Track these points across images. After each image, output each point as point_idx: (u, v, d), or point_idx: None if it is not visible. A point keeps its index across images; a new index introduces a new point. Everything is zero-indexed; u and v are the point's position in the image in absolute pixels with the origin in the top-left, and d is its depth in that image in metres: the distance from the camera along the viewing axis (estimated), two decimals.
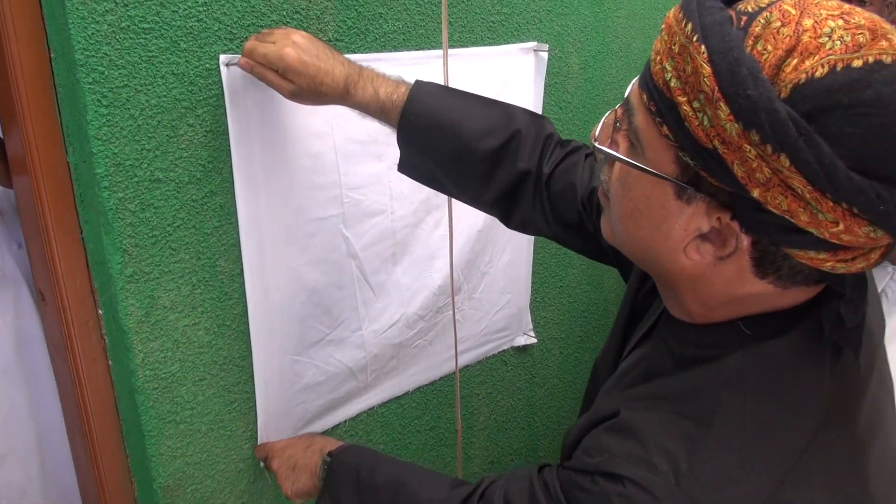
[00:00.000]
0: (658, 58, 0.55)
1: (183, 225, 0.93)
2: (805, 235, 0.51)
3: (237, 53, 0.91)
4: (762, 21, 0.50)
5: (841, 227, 0.49)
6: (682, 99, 0.52)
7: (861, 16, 0.50)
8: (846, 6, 0.51)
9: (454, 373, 1.41)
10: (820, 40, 0.48)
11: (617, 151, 0.60)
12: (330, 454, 0.96)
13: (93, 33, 0.79)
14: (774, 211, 0.50)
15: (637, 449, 0.58)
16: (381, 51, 1.09)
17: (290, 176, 1.01)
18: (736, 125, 0.48)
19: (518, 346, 1.58)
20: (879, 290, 1.09)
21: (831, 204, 0.48)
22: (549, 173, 0.91)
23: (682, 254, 0.58)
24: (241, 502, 1.11)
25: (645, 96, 0.56)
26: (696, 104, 0.51)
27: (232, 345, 1.02)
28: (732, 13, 0.52)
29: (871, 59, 0.48)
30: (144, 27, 0.82)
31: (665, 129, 0.54)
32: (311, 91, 0.86)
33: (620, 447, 0.59)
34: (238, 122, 0.92)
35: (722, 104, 0.49)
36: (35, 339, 1.04)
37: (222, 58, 0.89)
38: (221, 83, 0.90)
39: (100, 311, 0.93)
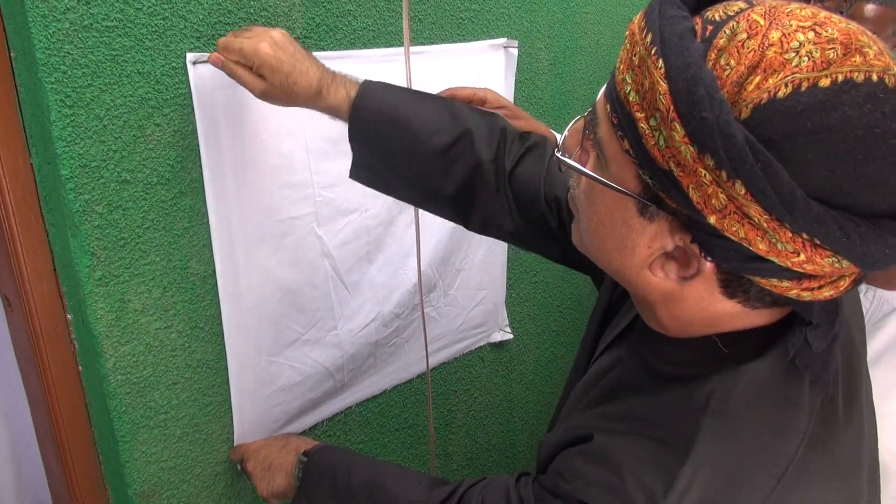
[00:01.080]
0: (621, 67, 0.52)
1: (153, 226, 0.91)
2: (766, 263, 0.49)
3: (205, 51, 0.89)
4: (727, 32, 0.47)
5: (802, 257, 0.47)
6: (639, 115, 0.49)
7: (836, 27, 0.46)
8: (822, 15, 0.47)
9: (438, 368, 1.41)
10: (786, 56, 0.45)
11: (586, 161, 0.58)
12: (306, 453, 0.95)
13: (54, 32, 0.77)
14: (732, 238, 0.48)
15: (612, 479, 0.57)
16: (351, 48, 1.08)
17: (261, 175, 1.00)
18: (691, 148, 0.46)
19: (494, 343, 1.59)
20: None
21: (790, 234, 0.46)
22: (511, 168, 0.88)
23: (648, 270, 0.56)
24: None
25: (608, 107, 0.53)
26: (652, 122, 0.48)
27: (206, 347, 1.01)
28: (699, 21, 0.49)
29: (840, 78, 0.44)
30: (108, 25, 0.81)
31: (626, 144, 0.51)
32: (284, 90, 0.83)
33: (595, 475, 0.58)
34: (207, 122, 0.91)
35: (677, 125, 0.46)
36: (5, 344, 1.02)
37: (189, 56, 0.88)
38: (189, 82, 0.89)
39: (68, 316, 0.91)
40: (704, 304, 0.56)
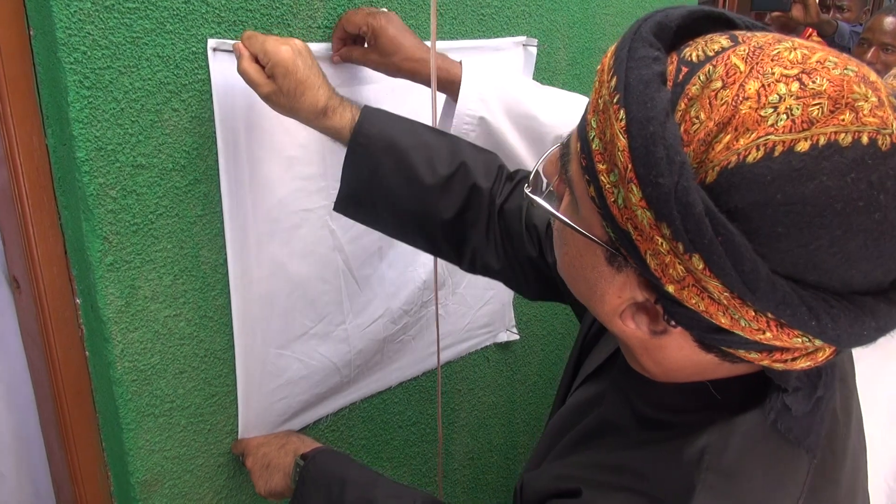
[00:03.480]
0: (590, 107, 0.47)
1: (166, 213, 0.90)
2: (731, 335, 0.45)
3: (225, 37, 0.88)
4: (702, 78, 0.42)
5: (768, 335, 0.43)
6: (601, 167, 0.44)
7: (828, 75, 0.40)
8: (815, 59, 0.41)
9: (444, 366, 1.40)
10: (762, 112, 0.40)
11: (563, 192, 0.53)
12: (304, 457, 0.95)
13: (75, 11, 0.76)
14: (692, 309, 0.44)
15: None
16: None
17: (277, 166, 0.98)
18: (647, 213, 0.41)
19: (500, 343, 1.58)
20: None
21: (753, 313, 0.42)
22: (500, 204, 0.87)
23: (619, 319, 0.51)
24: (221, 498, 1.09)
25: (578, 146, 0.48)
26: (612, 177, 0.43)
27: (214, 337, 1.00)
28: (674, 60, 0.44)
29: (821, 141, 0.38)
30: (129, 7, 0.80)
31: (591, 191, 0.46)
32: (290, 97, 0.82)
33: None
34: (224, 109, 0.90)
35: (634, 187, 0.41)
36: (9, 333, 1.00)
37: (211, 42, 0.87)
38: (209, 68, 0.88)
39: (77, 300, 0.90)
40: (686, 353, 0.52)
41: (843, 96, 0.40)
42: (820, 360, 0.47)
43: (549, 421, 0.80)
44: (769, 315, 0.42)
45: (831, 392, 0.54)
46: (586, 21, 1.47)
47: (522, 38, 1.31)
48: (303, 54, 0.83)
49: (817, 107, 0.39)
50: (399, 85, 1.01)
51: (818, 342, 0.44)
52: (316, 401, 1.17)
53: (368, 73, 1.03)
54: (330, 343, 1.15)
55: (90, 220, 0.83)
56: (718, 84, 0.41)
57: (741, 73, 0.41)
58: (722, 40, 0.44)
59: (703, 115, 0.41)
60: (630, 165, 0.41)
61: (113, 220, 0.85)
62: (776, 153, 0.39)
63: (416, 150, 0.85)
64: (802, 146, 0.39)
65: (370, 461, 1.35)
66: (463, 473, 1.61)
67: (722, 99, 0.41)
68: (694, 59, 0.43)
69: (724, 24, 0.49)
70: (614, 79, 0.44)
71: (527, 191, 0.56)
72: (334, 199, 1.07)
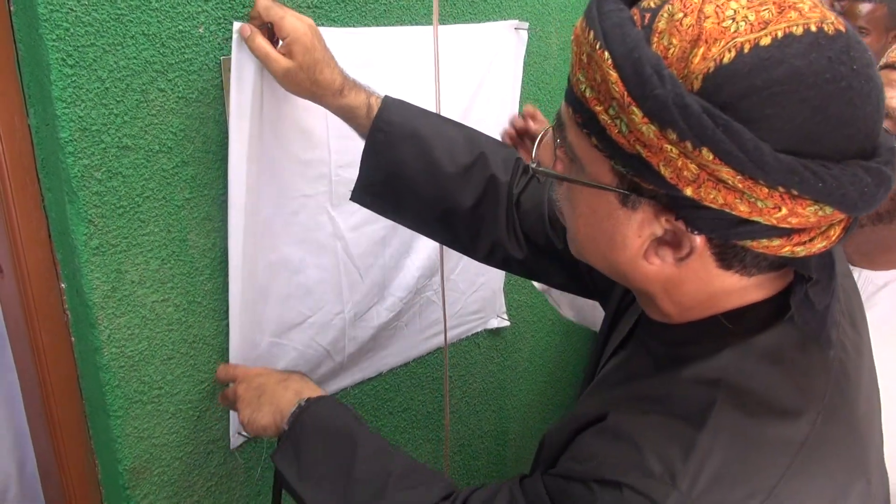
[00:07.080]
0: (574, 69, 0.53)
1: (153, 196, 0.88)
2: (752, 225, 0.49)
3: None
4: (665, 15, 0.49)
5: (784, 211, 0.48)
6: (598, 108, 0.50)
7: None
8: None
9: (435, 352, 1.40)
10: (724, 24, 0.47)
11: (561, 168, 0.59)
12: (308, 400, 0.84)
13: None
14: (712, 206, 0.49)
15: (630, 453, 0.55)
16: (360, 23, 1.05)
17: (278, 149, 0.96)
18: (652, 127, 0.47)
19: (491, 329, 1.57)
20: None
21: (766, 190, 0.47)
22: (518, 194, 0.89)
23: (644, 260, 0.56)
24: (211, 485, 1.08)
25: (571, 110, 0.55)
26: (611, 111, 0.49)
27: (203, 322, 0.98)
28: (637, 12, 0.51)
29: (779, 34, 0.46)
30: None
31: (593, 140, 0.53)
32: (309, 74, 0.83)
33: (612, 452, 0.56)
34: (242, 94, 0.87)
35: (634, 108, 0.47)
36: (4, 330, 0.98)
37: (236, 25, 0.84)
38: (196, 48, 0.85)
39: (62, 285, 0.88)
40: (703, 284, 0.57)
41: (784, 1, 0.48)
42: (833, 238, 0.52)
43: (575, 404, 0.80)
44: (780, 189, 0.46)
45: (838, 291, 0.58)
46: (579, 5, 1.45)
47: (514, 22, 1.29)
48: (317, 33, 0.84)
49: (766, 10, 0.47)
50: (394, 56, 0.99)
51: (828, 210, 0.48)
52: None
53: (356, 42, 1.01)
54: (326, 331, 1.14)
55: (75, 202, 0.81)
56: (680, 15, 0.48)
57: (695, 3, 0.48)
58: None
59: (675, 41, 0.48)
60: (625, 92, 0.47)
61: (98, 203, 0.83)
62: (746, 50, 0.46)
63: (437, 138, 0.87)
64: (765, 41, 0.46)
65: None
66: (453, 460, 1.61)
67: (687, 24, 0.48)
68: (652, 5, 0.51)
69: None
70: (591, 33, 0.50)
71: (533, 165, 0.61)
72: (334, 186, 1.05)
